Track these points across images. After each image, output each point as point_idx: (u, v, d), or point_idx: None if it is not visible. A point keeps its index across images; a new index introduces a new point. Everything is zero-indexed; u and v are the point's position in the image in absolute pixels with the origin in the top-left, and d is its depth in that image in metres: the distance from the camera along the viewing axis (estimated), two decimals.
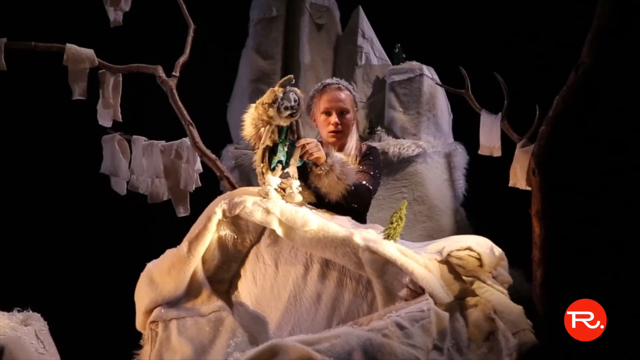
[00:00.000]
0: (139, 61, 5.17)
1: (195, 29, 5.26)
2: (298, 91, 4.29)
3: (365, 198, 4.57)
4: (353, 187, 4.42)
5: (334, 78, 4.88)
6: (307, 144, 4.34)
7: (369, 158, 4.72)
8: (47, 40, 5.03)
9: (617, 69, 4.67)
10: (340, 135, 4.70)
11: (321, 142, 4.71)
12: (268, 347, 3.52)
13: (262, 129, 4.27)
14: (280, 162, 4.29)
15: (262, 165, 4.29)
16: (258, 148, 4.33)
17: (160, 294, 4.19)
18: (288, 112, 4.20)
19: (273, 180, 4.27)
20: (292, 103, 4.21)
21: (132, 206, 5.54)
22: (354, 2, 6.40)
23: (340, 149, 4.71)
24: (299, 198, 4.31)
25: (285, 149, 4.30)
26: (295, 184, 4.33)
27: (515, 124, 4.94)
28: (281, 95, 4.20)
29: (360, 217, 4.55)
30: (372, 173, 4.63)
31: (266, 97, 4.25)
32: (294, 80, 4.33)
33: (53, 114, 5.75)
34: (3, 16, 5.16)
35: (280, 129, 4.27)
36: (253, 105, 4.33)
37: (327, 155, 4.39)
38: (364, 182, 4.54)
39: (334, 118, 4.70)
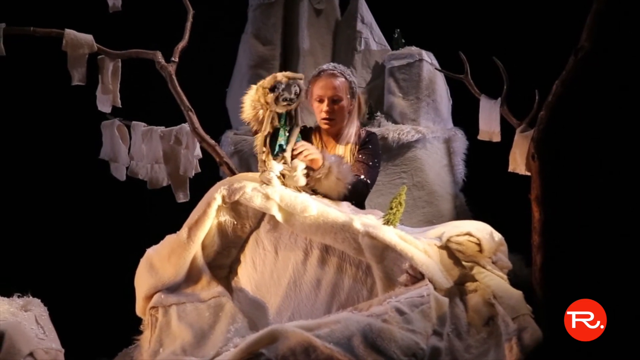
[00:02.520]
0: (138, 47, 5.16)
1: (194, 14, 5.24)
2: (301, 83, 4.28)
3: (363, 193, 4.57)
4: (351, 186, 4.42)
5: (331, 63, 4.84)
6: (303, 146, 4.34)
7: (368, 146, 4.70)
8: (45, 26, 5.01)
9: (617, 53, 4.66)
10: (332, 123, 4.68)
11: (318, 127, 4.71)
12: (268, 333, 3.53)
13: (261, 111, 4.27)
14: (281, 146, 4.29)
15: (264, 151, 4.29)
16: (256, 131, 4.34)
17: (160, 279, 4.20)
18: (285, 103, 4.20)
19: (276, 166, 4.27)
20: (292, 95, 4.21)
21: (132, 192, 5.54)
22: None
23: (337, 136, 4.70)
24: (302, 181, 4.31)
25: (286, 134, 4.30)
26: (301, 166, 4.32)
27: (515, 109, 4.93)
28: (283, 85, 4.20)
29: (358, 205, 4.55)
30: (370, 163, 4.62)
31: (267, 82, 4.24)
32: (302, 79, 4.32)
33: (52, 100, 5.75)
34: (2, 1, 5.14)
35: (279, 114, 4.27)
36: (254, 86, 4.32)
37: (322, 157, 4.39)
38: (362, 177, 4.53)
39: (325, 106, 4.66)
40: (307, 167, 4.37)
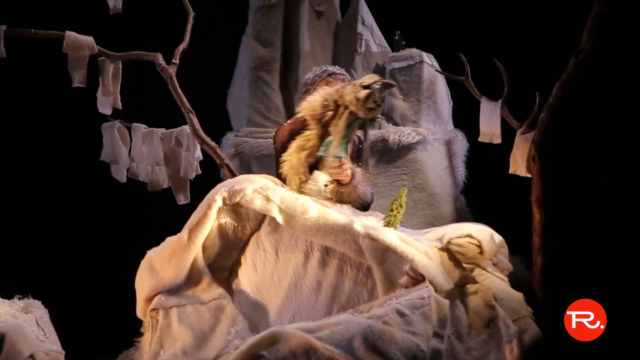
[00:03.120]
0: (138, 49, 5.17)
1: (194, 16, 5.25)
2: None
3: (370, 204, 4.59)
4: (367, 203, 4.47)
5: (336, 67, 4.85)
6: (346, 164, 4.36)
7: (362, 154, 4.72)
8: (46, 28, 5.02)
9: (617, 55, 4.66)
10: None
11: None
12: (268, 335, 3.54)
13: (329, 114, 4.26)
14: (340, 158, 4.31)
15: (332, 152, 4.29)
16: (298, 130, 4.33)
17: (160, 281, 4.20)
18: (372, 105, 4.19)
19: (322, 177, 4.30)
20: (381, 102, 4.20)
21: (132, 194, 5.54)
22: None
23: None
24: (324, 194, 4.35)
25: (345, 148, 4.32)
26: (323, 178, 4.36)
27: (515, 111, 4.94)
28: (378, 86, 4.20)
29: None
30: (368, 174, 4.65)
31: (366, 78, 4.26)
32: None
33: (53, 102, 5.75)
34: (2, 3, 5.15)
35: (351, 122, 4.27)
36: (330, 88, 4.36)
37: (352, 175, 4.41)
38: (370, 190, 4.55)
39: None
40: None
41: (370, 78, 4.26)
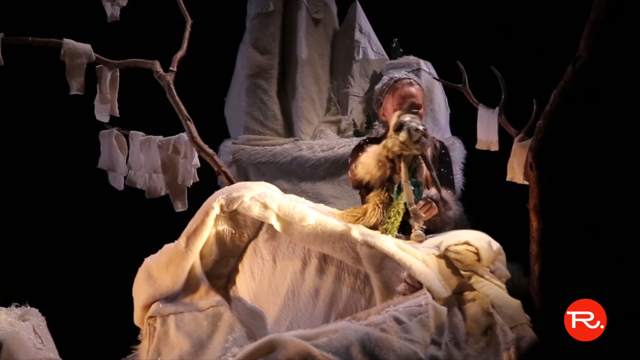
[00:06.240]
0: (136, 56, 5.17)
1: (192, 23, 5.26)
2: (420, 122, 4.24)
3: (458, 213, 4.64)
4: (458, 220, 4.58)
5: (403, 72, 4.86)
6: (424, 206, 4.38)
7: (445, 159, 4.75)
8: (44, 35, 5.03)
9: (614, 63, 4.66)
10: None
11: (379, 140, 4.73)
12: (266, 342, 3.53)
13: (388, 170, 4.24)
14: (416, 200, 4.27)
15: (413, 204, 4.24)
16: (368, 188, 4.33)
17: (158, 289, 4.20)
18: (419, 135, 4.15)
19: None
20: (420, 127, 4.16)
21: (130, 201, 5.54)
22: None
23: None
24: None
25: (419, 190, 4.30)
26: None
27: (513, 118, 4.93)
28: (408, 119, 4.18)
29: None
30: (451, 177, 4.75)
31: (393, 119, 4.24)
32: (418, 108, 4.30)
33: (50, 109, 5.75)
34: (0, 11, 5.15)
35: (410, 165, 4.24)
36: (374, 147, 4.34)
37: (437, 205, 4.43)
38: (457, 207, 4.59)
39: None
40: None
41: (395, 117, 4.24)
